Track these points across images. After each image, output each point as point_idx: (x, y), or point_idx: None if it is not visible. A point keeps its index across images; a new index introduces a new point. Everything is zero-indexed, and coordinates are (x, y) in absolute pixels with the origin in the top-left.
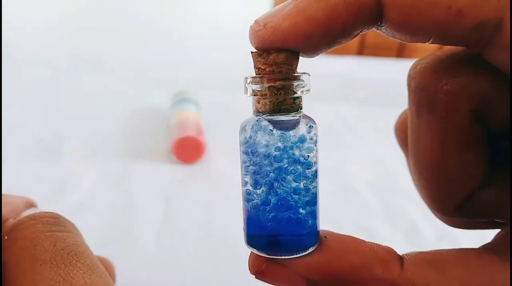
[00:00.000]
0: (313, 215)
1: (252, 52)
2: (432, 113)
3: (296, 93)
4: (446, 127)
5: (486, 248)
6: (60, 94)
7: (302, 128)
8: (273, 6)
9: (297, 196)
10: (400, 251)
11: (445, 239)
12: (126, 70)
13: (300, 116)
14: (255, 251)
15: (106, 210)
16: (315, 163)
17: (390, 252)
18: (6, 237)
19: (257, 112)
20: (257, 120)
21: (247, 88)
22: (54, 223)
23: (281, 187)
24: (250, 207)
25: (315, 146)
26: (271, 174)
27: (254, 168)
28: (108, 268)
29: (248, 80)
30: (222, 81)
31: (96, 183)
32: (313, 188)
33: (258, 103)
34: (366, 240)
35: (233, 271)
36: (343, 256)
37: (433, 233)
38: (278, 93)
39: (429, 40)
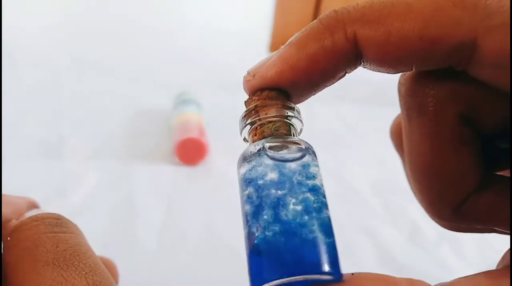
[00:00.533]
0: (332, 242)
1: (245, 101)
2: (422, 118)
3: (290, 120)
4: (435, 130)
5: (499, 270)
6: (61, 95)
7: (304, 158)
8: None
9: (309, 223)
10: (402, 252)
11: (446, 239)
12: (128, 71)
13: (300, 142)
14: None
15: (107, 211)
16: (322, 187)
17: (418, 284)
18: (8, 238)
19: (254, 142)
20: (253, 151)
21: (242, 128)
22: (57, 224)
23: (290, 220)
24: (255, 253)
25: (319, 173)
26: (275, 208)
27: (256, 202)
28: (110, 269)
29: (243, 117)
30: (224, 82)
31: (98, 184)
32: (327, 216)
33: (255, 135)
34: (368, 241)
35: (234, 272)
36: None
37: (434, 233)
38: (274, 121)
39: (411, 69)
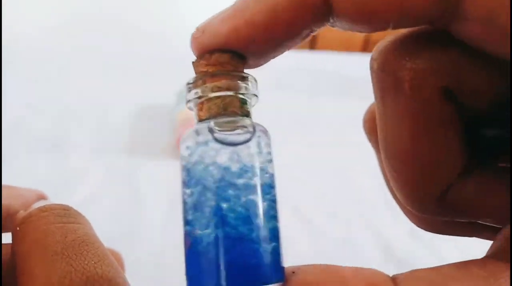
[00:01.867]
0: (276, 244)
1: (192, 61)
2: (398, 95)
3: (244, 94)
4: (414, 109)
5: (489, 256)
6: (66, 91)
7: (255, 140)
8: None
9: (255, 226)
10: (405, 247)
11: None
12: (132, 67)
13: (251, 125)
14: None
15: (112, 205)
16: (272, 179)
17: (378, 274)
18: (18, 229)
19: (200, 120)
20: (198, 131)
21: (188, 97)
22: (65, 215)
23: (233, 216)
24: (193, 248)
25: (271, 160)
26: (217, 197)
27: (197, 190)
28: (117, 260)
29: (189, 86)
30: None
31: (102, 178)
32: (273, 212)
33: (201, 110)
34: (370, 236)
35: None
36: None
37: None
38: (224, 94)
39: (388, 26)
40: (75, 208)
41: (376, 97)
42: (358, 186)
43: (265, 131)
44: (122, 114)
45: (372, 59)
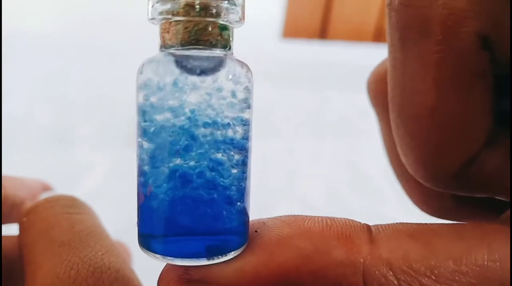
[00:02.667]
0: (241, 206)
1: None
2: (425, 38)
3: (223, 20)
4: (443, 56)
5: (492, 221)
6: (71, 85)
7: (229, 73)
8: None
9: (218, 177)
10: None
11: None
12: (138, 61)
13: (227, 57)
14: (154, 256)
15: (117, 197)
16: (247, 125)
17: (352, 224)
18: (24, 219)
19: (165, 46)
20: (162, 58)
21: (151, 11)
22: (72, 206)
23: (194, 163)
24: (146, 193)
25: (248, 101)
26: (180, 142)
27: (154, 132)
28: (125, 252)
29: None
30: None
31: (108, 171)
32: (241, 166)
33: (168, 32)
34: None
35: None
36: (286, 244)
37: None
38: (197, 16)
39: None
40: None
41: (392, 43)
42: (369, 179)
43: (245, 70)
44: (127, 108)
45: None
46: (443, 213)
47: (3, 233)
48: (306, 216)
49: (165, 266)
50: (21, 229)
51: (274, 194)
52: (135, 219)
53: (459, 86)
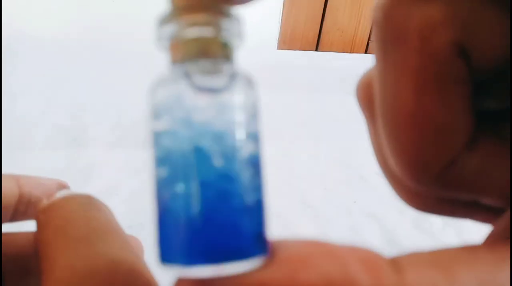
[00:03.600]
0: (259, 210)
1: None
2: (404, 49)
3: (225, 37)
4: (421, 65)
5: (495, 238)
6: (84, 86)
7: (237, 87)
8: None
9: (234, 184)
10: (407, 236)
11: (451, 224)
12: (149, 62)
13: (232, 70)
14: (178, 269)
15: (129, 196)
16: (256, 137)
17: (375, 253)
18: (41, 217)
19: (174, 63)
20: (172, 75)
21: (159, 34)
22: (88, 203)
23: (208, 179)
24: (163, 201)
25: (256, 114)
26: (192, 152)
27: (170, 140)
28: (138, 246)
29: (162, 20)
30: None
31: (120, 171)
32: (256, 179)
33: (175, 50)
34: (377, 228)
35: None
36: (312, 264)
37: (440, 220)
38: (201, 33)
39: None
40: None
41: (377, 51)
42: (364, 179)
43: (250, 80)
44: (139, 109)
45: (375, 8)
46: (427, 209)
47: (19, 229)
48: (329, 241)
49: (177, 278)
50: (37, 226)
51: (274, 193)
52: (146, 218)
53: (436, 92)
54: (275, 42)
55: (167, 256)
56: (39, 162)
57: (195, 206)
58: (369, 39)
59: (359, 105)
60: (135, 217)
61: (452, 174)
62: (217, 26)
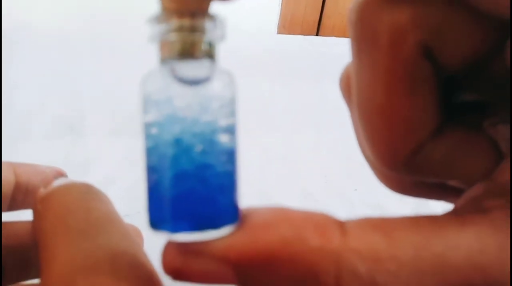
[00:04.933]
0: (232, 185)
1: None
2: (374, 50)
3: (209, 37)
4: (390, 65)
5: (446, 213)
6: (81, 75)
7: (217, 82)
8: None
9: (212, 173)
10: None
11: None
12: (148, 52)
13: (213, 66)
14: (160, 233)
15: (128, 187)
16: (234, 117)
17: (328, 218)
18: (39, 206)
19: (162, 60)
20: (160, 71)
21: (150, 33)
22: (87, 192)
23: (190, 163)
24: (152, 182)
25: (233, 106)
26: (176, 139)
27: (157, 130)
28: (137, 235)
29: (152, 21)
30: (234, 63)
31: (119, 161)
32: (230, 164)
33: (163, 49)
34: (376, 215)
35: None
36: (271, 229)
37: (440, 208)
38: (186, 34)
39: None
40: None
41: (352, 51)
42: (365, 169)
43: (229, 76)
44: (138, 97)
45: (350, 10)
46: (405, 191)
47: (17, 218)
48: (291, 207)
49: (166, 241)
50: (36, 216)
51: (275, 183)
52: (145, 206)
53: (404, 90)
54: (274, 27)
55: (156, 224)
56: (38, 152)
57: (177, 188)
58: None
59: (342, 96)
60: (134, 206)
61: (419, 160)
62: (201, 29)
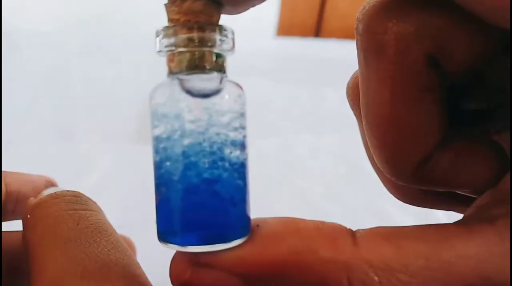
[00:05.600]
0: (241, 200)
1: (164, 3)
2: (381, 59)
3: (218, 49)
4: (397, 75)
5: (454, 222)
6: (73, 81)
7: (227, 95)
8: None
9: (222, 186)
10: None
11: (455, 219)
12: (140, 55)
13: (223, 79)
14: (169, 246)
15: (121, 192)
16: (244, 131)
17: (339, 228)
18: (29, 215)
19: (171, 73)
20: (169, 83)
21: (158, 46)
22: (77, 201)
23: (199, 174)
24: (162, 195)
25: (244, 119)
26: (185, 152)
27: (166, 144)
28: (129, 246)
29: (160, 34)
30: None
31: (111, 166)
32: (241, 175)
33: (172, 61)
34: (378, 223)
35: None
36: (281, 240)
37: (442, 215)
38: (196, 47)
39: None
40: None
41: (359, 60)
42: (364, 173)
43: (238, 89)
44: (130, 103)
45: (357, 20)
46: (412, 201)
47: (8, 228)
48: (301, 218)
49: (176, 252)
50: (25, 225)
51: (273, 188)
52: (137, 214)
53: (410, 99)
54: (273, 29)
55: (165, 237)
56: (27, 157)
57: (187, 202)
58: None
59: (349, 103)
60: (127, 213)
61: (427, 170)
62: (210, 42)
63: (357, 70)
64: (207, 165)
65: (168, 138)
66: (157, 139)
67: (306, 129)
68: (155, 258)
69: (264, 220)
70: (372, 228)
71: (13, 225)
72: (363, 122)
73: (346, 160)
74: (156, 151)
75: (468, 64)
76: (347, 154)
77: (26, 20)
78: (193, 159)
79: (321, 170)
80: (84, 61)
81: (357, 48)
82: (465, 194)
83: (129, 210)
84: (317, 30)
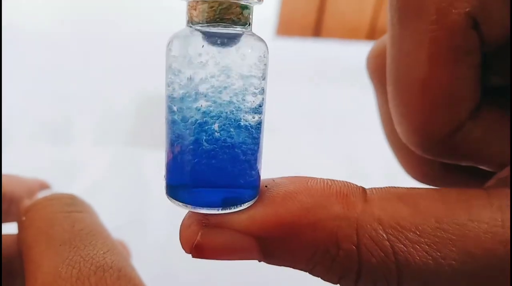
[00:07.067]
0: (253, 162)
1: None
2: (421, 19)
3: (244, 0)
4: (436, 35)
5: (474, 188)
6: (68, 80)
7: (248, 46)
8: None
9: (236, 140)
10: None
11: None
12: (136, 56)
13: (248, 32)
14: (178, 204)
15: (116, 194)
16: (262, 94)
17: (350, 185)
18: (23, 218)
19: (192, 22)
20: (189, 32)
21: None
22: (71, 204)
23: (215, 123)
24: (174, 148)
25: (265, 72)
26: (204, 105)
27: (182, 94)
28: (124, 249)
29: None
30: None
31: (106, 168)
32: (256, 131)
33: (194, 10)
34: None
35: None
36: (291, 199)
37: None
38: (222, 1)
39: None
40: (79, 195)
41: (391, 23)
42: (364, 173)
43: (263, 47)
44: (126, 103)
45: None
46: (431, 180)
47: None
48: (310, 177)
49: (187, 213)
50: (20, 228)
51: None
52: (132, 216)
53: (449, 61)
54: (273, 29)
55: (175, 194)
56: (21, 158)
57: (201, 165)
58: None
59: (369, 74)
60: (123, 215)
61: (456, 141)
62: None
63: (378, 40)
64: (222, 127)
65: (182, 98)
66: (171, 98)
67: (306, 129)
68: (149, 260)
69: (272, 181)
70: (385, 187)
71: (5, 228)
72: (389, 90)
73: (346, 159)
74: (170, 110)
75: (505, 31)
76: (347, 153)
77: (20, 18)
78: (208, 120)
79: (321, 168)
80: (79, 60)
81: (391, 10)
82: (489, 169)
83: (124, 213)
84: (317, 30)
